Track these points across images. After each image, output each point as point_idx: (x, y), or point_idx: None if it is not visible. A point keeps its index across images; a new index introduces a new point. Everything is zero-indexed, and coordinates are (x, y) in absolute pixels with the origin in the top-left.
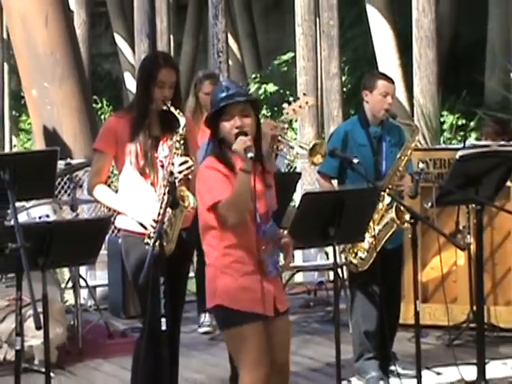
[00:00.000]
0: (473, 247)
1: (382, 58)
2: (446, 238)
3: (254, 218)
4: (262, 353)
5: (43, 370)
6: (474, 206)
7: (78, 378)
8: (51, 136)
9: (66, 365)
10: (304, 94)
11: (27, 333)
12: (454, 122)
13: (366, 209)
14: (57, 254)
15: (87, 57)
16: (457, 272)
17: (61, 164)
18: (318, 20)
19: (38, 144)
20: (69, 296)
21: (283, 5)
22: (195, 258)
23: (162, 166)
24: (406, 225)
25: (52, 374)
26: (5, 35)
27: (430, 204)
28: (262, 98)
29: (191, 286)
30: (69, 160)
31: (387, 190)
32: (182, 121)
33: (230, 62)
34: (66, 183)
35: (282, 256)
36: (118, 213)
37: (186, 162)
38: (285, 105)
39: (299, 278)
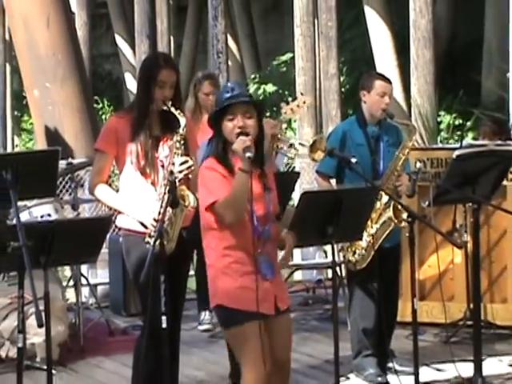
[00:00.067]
0: (469, 245)
1: (379, 59)
2: (443, 236)
3: (251, 220)
4: (263, 351)
5: (45, 367)
6: (470, 204)
7: (79, 375)
8: (53, 136)
9: (67, 362)
10: (301, 94)
11: (29, 330)
12: (451, 122)
13: (364, 208)
14: (58, 252)
15: (88, 57)
16: (454, 270)
17: (62, 164)
18: (316, 21)
19: (40, 144)
20: (70, 294)
21: (282, 6)
22: (195, 257)
23: (163, 166)
24: (403, 223)
25: (54, 371)
26: (7, 36)
27: (427, 203)
28: (261, 98)
29: (191, 284)
30: (70, 160)
31: (385, 189)
32: (183, 121)
33: (230, 63)
34: (67, 183)
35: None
36: (119, 212)
37: (186, 161)
38: (283, 104)
39: (298, 276)
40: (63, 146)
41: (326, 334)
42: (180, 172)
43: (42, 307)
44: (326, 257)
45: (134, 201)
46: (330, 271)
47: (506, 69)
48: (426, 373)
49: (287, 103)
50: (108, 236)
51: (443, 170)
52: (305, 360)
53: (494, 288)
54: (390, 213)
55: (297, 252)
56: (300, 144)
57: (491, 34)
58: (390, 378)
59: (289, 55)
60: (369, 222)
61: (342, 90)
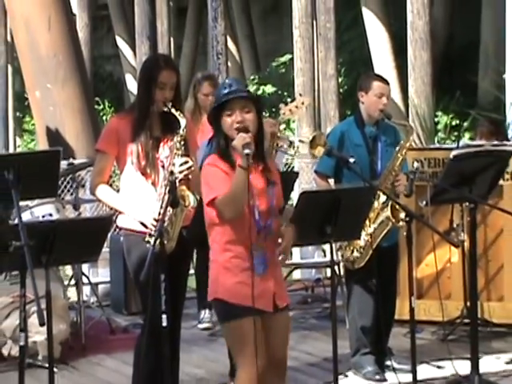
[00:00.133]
0: (466, 244)
1: (377, 60)
2: (441, 235)
3: (253, 215)
4: (259, 347)
5: (47, 365)
6: (467, 204)
7: (80, 373)
8: (54, 136)
9: (69, 360)
10: (300, 95)
11: (31, 329)
12: (448, 122)
13: (362, 207)
14: (60, 251)
15: (89, 59)
16: (451, 269)
17: (63, 164)
18: (315, 23)
19: (42, 144)
20: (72, 293)
21: (281, 8)
22: (195, 256)
23: (163, 166)
24: (401, 223)
25: (55, 369)
26: (9, 38)
27: (424, 202)
28: None
29: (191, 282)
30: (71, 160)
31: (383, 189)
32: (183, 122)
33: (229, 64)
34: (68, 183)
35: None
36: (120, 212)
37: (186, 162)
38: (281, 105)
39: (297, 275)
40: (64, 147)
41: (324, 332)
42: (180, 172)
43: (43, 306)
44: (325, 256)
45: (134, 201)
46: (328, 270)
47: (502, 70)
48: (423, 370)
49: (286, 104)
50: (109, 235)
51: (440, 169)
52: (304, 358)
53: (490, 286)
54: (387, 212)
55: (296, 251)
56: (300, 141)
57: (487, 35)
58: (388, 375)
59: (288, 56)
60: (367, 222)
61: (341, 90)
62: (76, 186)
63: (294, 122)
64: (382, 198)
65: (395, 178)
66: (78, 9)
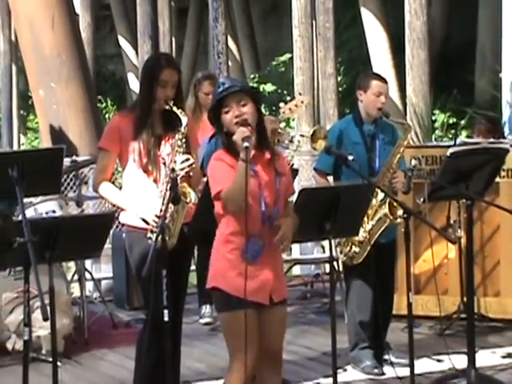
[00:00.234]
0: (463, 241)
1: (375, 59)
2: (438, 231)
3: (260, 206)
4: (252, 339)
5: (50, 359)
6: (464, 201)
7: (83, 367)
8: (57, 134)
9: (72, 354)
10: (300, 94)
11: (35, 324)
12: (445, 121)
13: (361, 204)
14: (63, 248)
15: (92, 58)
16: (448, 265)
17: (67, 161)
18: (314, 22)
19: (45, 142)
20: (75, 288)
21: (281, 8)
22: (196, 252)
23: (165, 164)
24: (398, 220)
25: (59, 363)
26: (13, 38)
27: (422, 199)
28: None
29: (192, 278)
30: (74, 157)
31: (381, 186)
32: (184, 120)
33: (230, 63)
34: (71, 180)
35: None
36: (122, 209)
37: (187, 159)
38: (281, 104)
39: (296, 270)
40: (68, 145)
41: (323, 326)
42: (181, 169)
43: (47, 301)
44: (324, 252)
45: (136, 198)
46: (327, 266)
47: (498, 69)
48: (421, 364)
49: (286, 103)
50: (111, 232)
51: (438, 167)
52: (303, 352)
53: (487, 282)
54: (385, 209)
55: (295, 247)
56: (301, 135)
57: (484, 35)
58: (386, 369)
59: (287, 55)
60: (365, 219)
61: (340, 89)
62: (79, 183)
63: (293, 120)
64: (380, 195)
65: (393, 176)
66: (81, 9)
